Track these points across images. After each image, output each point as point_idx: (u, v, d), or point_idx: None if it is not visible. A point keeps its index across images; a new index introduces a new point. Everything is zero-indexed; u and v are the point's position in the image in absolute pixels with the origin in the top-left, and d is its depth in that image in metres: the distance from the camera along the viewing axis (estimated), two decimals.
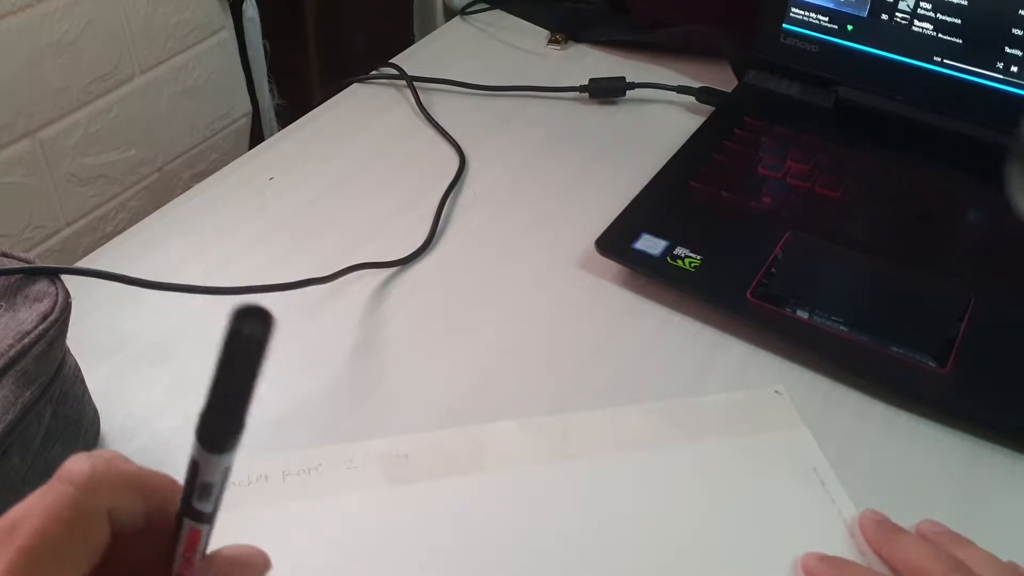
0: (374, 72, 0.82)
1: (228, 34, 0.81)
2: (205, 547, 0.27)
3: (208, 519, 0.26)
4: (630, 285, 0.60)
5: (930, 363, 0.52)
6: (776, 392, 0.52)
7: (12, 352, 0.41)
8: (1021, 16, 0.65)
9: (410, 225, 0.65)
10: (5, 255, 0.46)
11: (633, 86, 0.78)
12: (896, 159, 0.68)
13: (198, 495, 0.25)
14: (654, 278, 0.59)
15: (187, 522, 0.26)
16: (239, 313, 0.22)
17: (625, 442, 0.49)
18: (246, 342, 0.23)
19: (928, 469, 0.49)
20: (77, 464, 0.26)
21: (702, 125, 0.73)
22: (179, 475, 0.26)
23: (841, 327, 0.54)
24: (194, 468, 0.25)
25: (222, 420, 0.24)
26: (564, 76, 0.81)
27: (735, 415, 0.51)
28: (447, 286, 0.60)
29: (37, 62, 0.66)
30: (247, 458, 0.48)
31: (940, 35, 0.68)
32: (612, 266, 0.60)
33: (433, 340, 0.56)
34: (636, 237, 0.60)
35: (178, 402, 0.52)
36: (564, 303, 0.59)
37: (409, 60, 0.84)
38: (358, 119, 0.77)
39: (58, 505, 0.25)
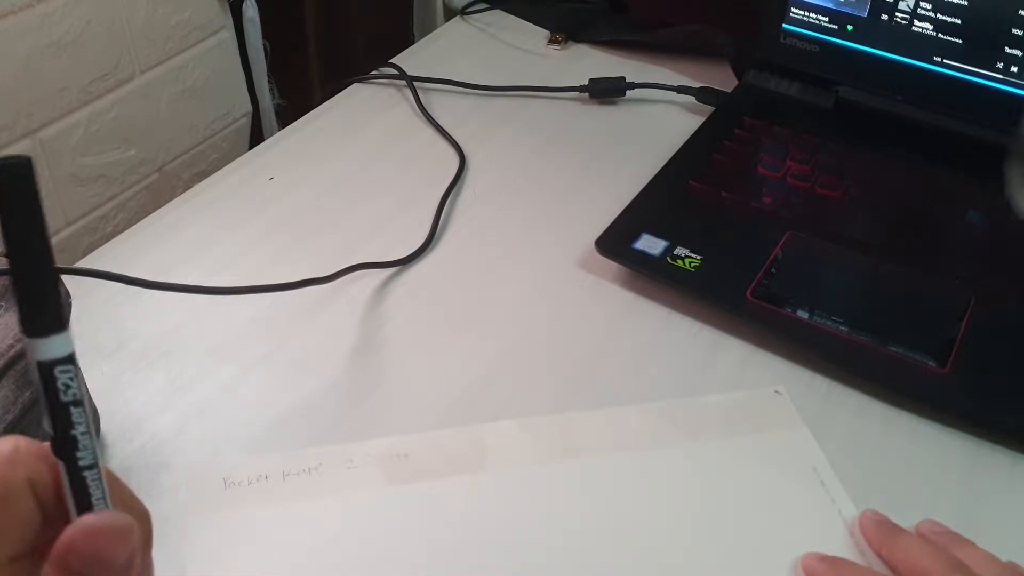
0: (374, 72, 0.82)
1: (228, 34, 0.81)
2: (78, 497, 0.24)
3: (57, 450, 0.23)
4: (630, 285, 0.60)
5: (930, 363, 0.52)
6: (776, 392, 0.52)
7: (12, 352, 0.41)
8: (1021, 16, 0.65)
9: (410, 225, 0.65)
10: (5, 255, 0.46)
11: (633, 86, 0.78)
12: (896, 159, 0.68)
13: (45, 409, 0.23)
14: (654, 278, 0.59)
15: (57, 461, 0.24)
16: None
17: (625, 442, 0.49)
18: (16, 174, 0.21)
19: (928, 469, 0.49)
20: (1, 443, 0.25)
21: (702, 125, 0.73)
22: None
23: (841, 327, 0.54)
24: (40, 373, 0.22)
25: (27, 293, 0.22)
26: (564, 76, 0.81)
27: (735, 415, 0.51)
28: (447, 286, 0.60)
29: (37, 62, 0.66)
30: (247, 458, 0.48)
31: (940, 35, 0.68)
32: (612, 266, 0.60)
33: (433, 340, 0.56)
34: (636, 237, 0.60)
35: (178, 402, 0.52)
36: (564, 303, 0.59)
37: (409, 60, 0.84)
38: (358, 119, 0.77)
39: None
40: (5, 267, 0.45)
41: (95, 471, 0.24)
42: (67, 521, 0.25)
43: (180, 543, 0.43)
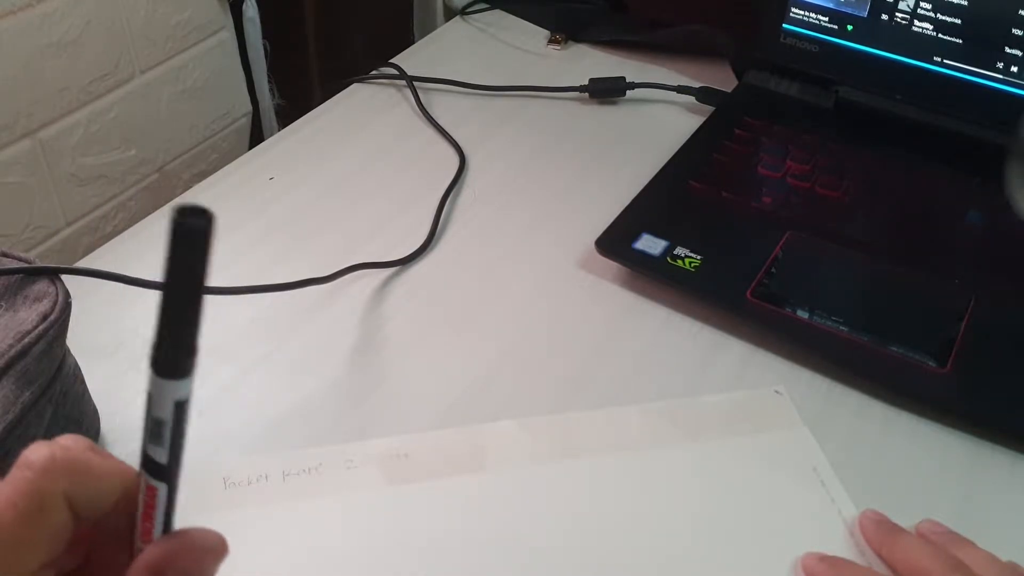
0: (374, 72, 0.82)
1: (228, 34, 0.81)
2: (166, 517, 0.26)
3: (165, 475, 0.25)
4: (630, 285, 0.60)
5: (930, 363, 0.52)
6: (776, 392, 0.52)
7: (12, 352, 0.41)
8: (1021, 16, 0.65)
9: (410, 225, 0.65)
10: (5, 255, 0.46)
11: (633, 86, 0.78)
12: (896, 159, 0.68)
13: (151, 436, 0.24)
14: (654, 278, 0.59)
15: (144, 478, 0.25)
16: (181, 210, 0.22)
17: (625, 442, 0.49)
18: (189, 236, 0.22)
19: (928, 469, 0.49)
20: (36, 451, 0.25)
21: (702, 125, 0.73)
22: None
23: (841, 327, 0.54)
24: (148, 403, 0.24)
25: (172, 338, 0.23)
26: (564, 76, 0.81)
27: (735, 415, 0.51)
28: (447, 286, 0.60)
29: (37, 62, 0.66)
30: (247, 458, 0.48)
31: (940, 35, 0.68)
32: (612, 266, 0.60)
33: (433, 340, 0.56)
34: (636, 237, 0.60)
35: None
36: (564, 303, 0.59)
37: (409, 60, 0.84)
38: (358, 119, 0.77)
39: (14, 492, 0.24)
40: (5, 267, 0.45)
41: (173, 503, 0.26)
42: (100, 529, 0.26)
43: None
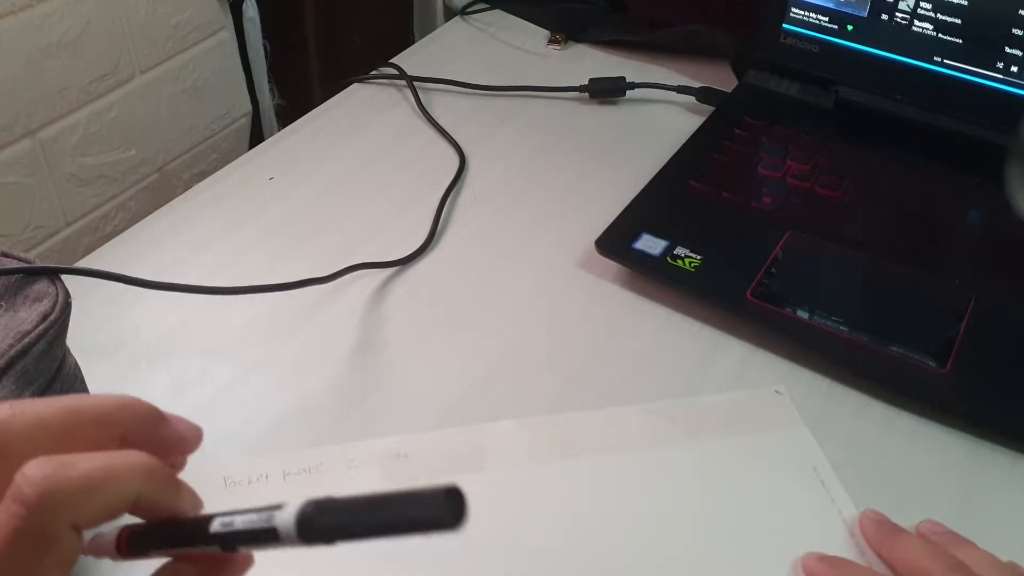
0: (374, 72, 0.82)
1: (228, 34, 0.81)
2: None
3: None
4: (630, 285, 0.60)
5: (930, 363, 0.52)
6: (776, 392, 0.52)
7: (12, 352, 0.41)
8: (1021, 16, 0.65)
9: (410, 225, 0.65)
10: (5, 255, 0.46)
11: (633, 86, 0.78)
12: (896, 159, 0.68)
13: (234, 540, 0.26)
14: (654, 278, 0.59)
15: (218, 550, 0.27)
16: (451, 493, 0.22)
17: (625, 442, 0.49)
18: (428, 525, 0.22)
19: (928, 469, 0.49)
20: (27, 477, 0.24)
21: (702, 125, 0.73)
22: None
23: (841, 327, 0.54)
24: (264, 526, 0.25)
25: (339, 527, 0.24)
26: (564, 76, 0.81)
27: (735, 415, 0.51)
28: (447, 286, 0.60)
29: (37, 62, 0.66)
30: (247, 458, 0.48)
31: (940, 35, 0.68)
32: (612, 266, 0.60)
33: (433, 340, 0.56)
34: (636, 237, 0.60)
35: (178, 402, 0.52)
36: (564, 303, 0.59)
37: (409, 60, 0.84)
38: (358, 119, 0.77)
39: (9, 528, 0.23)
40: (5, 267, 0.45)
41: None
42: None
43: None
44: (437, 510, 0.21)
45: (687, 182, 0.66)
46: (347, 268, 0.59)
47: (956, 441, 0.50)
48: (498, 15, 0.92)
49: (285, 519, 0.23)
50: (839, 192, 0.65)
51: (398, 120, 0.77)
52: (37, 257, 0.46)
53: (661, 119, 0.77)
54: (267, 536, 0.24)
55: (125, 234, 0.65)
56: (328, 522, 0.23)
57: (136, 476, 0.26)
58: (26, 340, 0.42)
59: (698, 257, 0.59)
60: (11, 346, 0.41)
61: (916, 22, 0.68)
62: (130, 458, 0.26)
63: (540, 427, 0.50)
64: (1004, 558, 0.42)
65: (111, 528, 0.28)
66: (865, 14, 0.70)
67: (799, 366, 0.54)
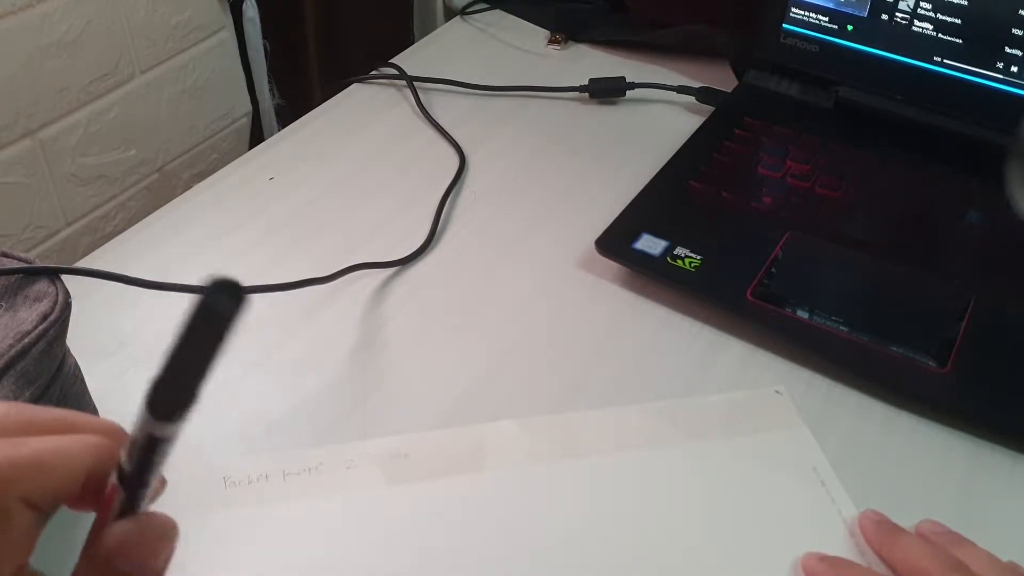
0: (374, 72, 0.82)
1: (228, 34, 0.81)
2: (128, 505, 0.26)
3: (126, 485, 0.25)
4: (630, 285, 0.60)
5: (930, 363, 0.52)
6: (776, 392, 0.52)
7: (12, 352, 0.41)
8: (1021, 16, 0.65)
9: (410, 225, 0.65)
10: (5, 255, 0.46)
11: (633, 86, 0.78)
12: (896, 159, 0.68)
13: (128, 448, 0.25)
14: (654, 278, 0.59)
15: (113, 475, 0.26)
16: (214, 285, 0.21)
17: (625, 442, 0.49)
18: (215, 319, 0.22)
19: (928, 469, 0.49)
20: None
21: (702, 125, 0.73)
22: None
23: (841, 327, 0.54)
24: (138, 429, 0.24)
25: (174, 390, 0.23)
26: (564, 76, 0.81)
27: (735, 415, 0.51)
28: (447, 286, 0.60)
29: (37, 62, 0.66)
30: (247, 458, 0.48)
31: (940, 35, 0.68)
32: (612, 266, 0.60)
33: (433, 340, 0.56)
34: (636, 237, 0.60)
35: None
36: (564, 303, 0.59)
37: (409, 60, 0.84)
38: (358, 119, 0.77)
39: None
40: (5, 267, 0.45)
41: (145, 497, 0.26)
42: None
43: (180, 542, 0.43)
44: (213, 306, 0.22)
45: (687, 182, 0.66)
46: (347, 268, 0.59)
47: (956, 441, 0.50)
48: (498, 15, 0.92)
49: (141, 415, 0.24)
50: (839, 192, 0.65)
51: (398, 120, 0.77)
52: (37, 257, 0.46)
53: (661, 119, 0.77)
54: (147, 440, 0.24)
55: (125, 234, 0.65)
56: (166, 396, 0.23)
57: (87, 453, 0.26)
58: (26, 340, 0.42)
59: (698, 257, 0.59)
60: (11, 346, 0.41)
61: (916, 22, 0.68)
62: (81, 439, 0.27)
63: (540, 427, 0.50)
64: (1004, 558, 0.42)
65: None
66: (865, 14, 0.70)
67: (799, 366, 0.54)
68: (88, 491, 0.26)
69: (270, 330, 0.57)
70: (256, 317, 0.57)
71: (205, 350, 0.22)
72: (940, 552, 0.42)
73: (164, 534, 0.26)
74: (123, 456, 0.25)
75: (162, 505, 0.45)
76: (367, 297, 0.59)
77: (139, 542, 0.26)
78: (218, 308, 0.22)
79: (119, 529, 0.25)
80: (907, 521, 0.45)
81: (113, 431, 0.28)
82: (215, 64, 0.80)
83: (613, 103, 0.79)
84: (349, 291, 0.59)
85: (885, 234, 0.62)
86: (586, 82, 0.78)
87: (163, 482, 0.29)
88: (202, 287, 0.22)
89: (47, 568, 0.26)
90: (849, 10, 0.71)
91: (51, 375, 0.44)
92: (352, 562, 0.43)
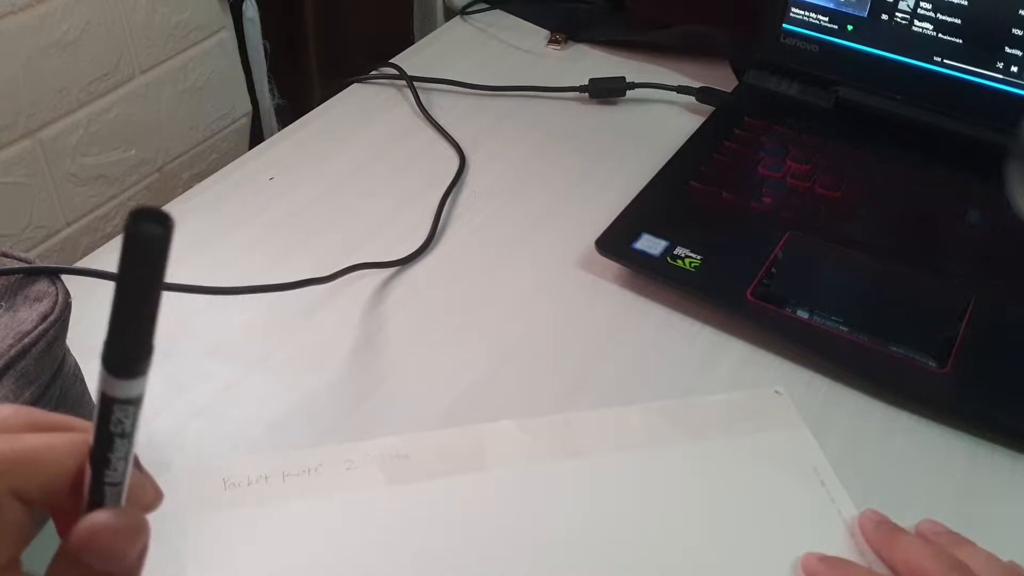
0: (374, 72, 0.82)
1: (228, 34, 0.81)
2: (97, 493, 0.26)
3: (94, 458, 0.25)
4: (630, 285, 0.60)
5: (930, 363, 0.52)
6: (776, 392, 0.52)
7: (12, 352, 0.41)
8: (1021, 16, 0.65)
9: (410, 225, 0.65)
10: (5, 255, 0.46)
11: (633, 86, 0.78)
12: (896, 159, 0.68)
13: (95, 425, 0.24)
14: (654, 278, 0.59)
15: (88, 460, 0.25)
16: (136, 214, 0.21)
17: (625, 442, 0.49)
18: (147, 244, 0.22)
19: (928, 469, 0.49)
20: None
21: (702, 125, 0.73)
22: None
23: (841, 327, 0.54)
24: (100, 399, 0.24)
25: (129, 339, 0.23)
26: (564, 76, 0.81)
27: (735, 415, 0.51)
28: (447, 286, 0.60)
29: (37, 62, 0.66)
30: (247, 459, 0.48)
31: (940, 35, 0.68)
32: (612, 266, 0.60)
33: (433, 340, 0.56)
34: (636, 237, 0.60)
35: (177, 403, 0.52)
36: (564, 303, 0.59)
37: (409, 60, 0.84)
38: (358, 119, 0.77)
39: None
40: (5, 267, 0.45)
41: (117, 489, 0.26)
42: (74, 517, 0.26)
43: (180, 543, 0.43)
44: (139, 235, 0.21)
45: (687, 182, 0.66)
46: (347, 268, 0.59)
47: (956, 441, 0.50)
48: (498, 15, 0.92)
49: (99, 376, 0.23)
50: (839, 192, 0.65)
51: (398, 120, 0.77)
52: (37, 257, 0.46)
53: (661, 119, 0.77)
54: (105, 402, 0.24)
55: None
56: (118, 349, 0.23)
57: (76, 450, 0.26)
58: (26, 340, 0.42)
59: (698, 257, 0.59)
60: (11, 346, 0.41)
61: (916, 22, 0.68)
62: (71, 436, 0.27)
63: (540, 427, 0.50)
64: (1004, 558, 0.42)
65: None
66: (865, 14, 0.70)
67: (799, 366, 0.54)
68: (78, 488, 0.26)
69: (270, 330, 0.57)
70: (256, 317, 0.57)
71: (146, 285, 0.22)
72: (940, 552, 0.42)
73: (134, 527, 0.26)
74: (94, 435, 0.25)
75: (163, 505, 0.45)
76: (367, 297, 0.59)
77: (108, 538, 0.25)
78: (147, 234, 0.21)
79: (87, 522, 0.25)
80: (907, 521, 0.45)
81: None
82: (215, 64, 0.80)
83: (613, 103, 0.79)
84: (349, 291, 0.59)
85: (885, 234, 0.62)
86: (586, 82, 0.78)
87: (158, 493, 0.29)
88: (127, 219, 0.21)
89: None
90: (849, 10, 0.71)
91: (51, 375, 0.44)
92: (352, 563, 0.43)
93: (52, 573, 0.26)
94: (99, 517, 0.25)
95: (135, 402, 0.24)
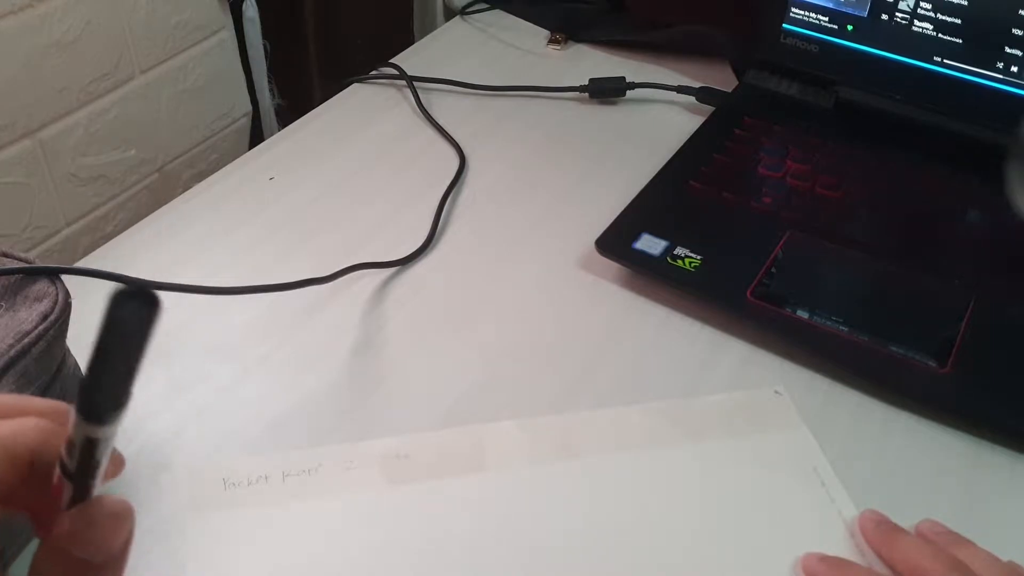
0: (374, 72, 0.82)
1: (228, 34, 0.81)
2: (78, 496, 0.26)
3: (72, 480, 0.25)
4: (630, 285, 0.60)
5: (930, 363, 0.52)
6: (776, 392, 0.52)
7: (12, 352, 0.41)
8: (1021, 16, 0.65)
9: (410, 225, 0.65)
10: (5, 255, 0.46)
11: (633, 86, 0.78)
12: (896, 159, 0.68)
13: (67, 447, 0.25)
14: (654, 278, 0.59)
15: (57, 469, 0.25)
16: (119, 296, 0.21)
17: (625, 442, 0.49)
18: (128, 326, 0.21)
19: (928, 469, 0.49)
20: None
21: (702, 125, 0.73)
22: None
23: (841, 327, 0.54)
24: (73, 431, 0.24)
25: (102, 393, 0.23)
26: (564, 76, 0.81)
27: (735, 415, 0.51)
28: (447, 286, 0.60)
29: (37, 62, 0.66)
30: (247, 459, 0.48)
31: (940, 35, 0.68)
32: (612, 266, 0.60)
33: (433, 340, 0.56)
34: (636, 237, 0.60)
35: (177, 403, 0.52)
36: (564, 303, 0.59)
37: (409, 60, 0.84)
38: (358, 119, 0.77)
39: None
40: (5, 267, 0.45)
41: (95, 481, 0.26)
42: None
43: (180, 543, 0.43)
44: (120, 318, 0.21)
45: (687, 182, 0.66)
46: (347, 268, 0.59)
47: (956, 441, 0.50)
48: (498, 15, 0.92)
49: (74, 417, 0.23)
50: (839, 192, 0.65)
51: (398, 120, 0.77)
52: (37, 257, 0.46)
53: (661, 119, 0.77)
54: (85, 442, 0.24)
55: (125, 234, 0.65)
56: (94, 399, 0.23)
57: (27, 438, 0.26)
58: (26, 340, 0.42)
59: (698, 257, 0.59)
60: (11, 346, 0.41)
61: (916, 22, 0.68)
62: (21, 423, 0.26)
63: (540, 427, 0.50)
64: (1004, 558, 0.42)
65: None
66: (865, 14, 0.70)
67: (799, 366, 0.54)
68: (36, 477, 0.26)
69: (270, 330, 0.57)
70: (256, 317, 0.57)
71: (125, 356, 0.22)
72: (940, 552, 0.42)
73: (118, 516, 0.26)
74: (63, 453, 0.25)
75: (162, 505, 0.45)
76: (367, 297, 0.59)
77: (91, 527, 0.25)
78: (126, 319, 0.21)
79: (70, 516, 0.25)
80: (907, 521, 0.45)
81: (57, 411, 0.27)
82: (215, 64, 0.80)
83: (613, 103, 0.79)
84: (349, 291, 0.59)
85: (885, 234, 0.62)
86: (586, 82, 0.78)
87: (120, 462, 0.28)
88: (110, 299, 0.21)
89: None
90: (849, 10, 0.71)
91: (51, 375, 0.44)
92: (352, 563, 0.43)
93: (36, 566, 0.25)
94: (81, 510, 0.25)
95: (112, 437, 0.24)
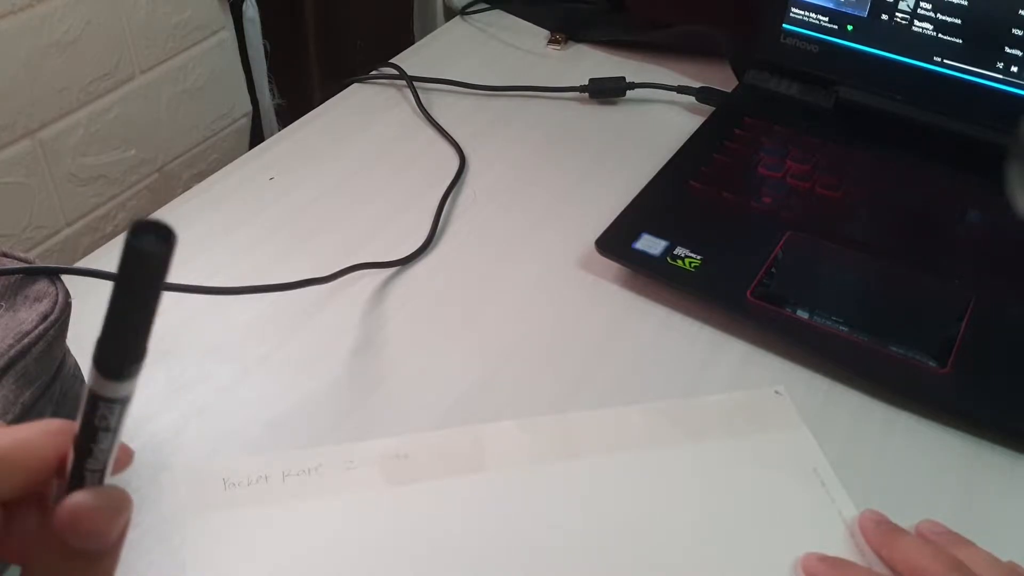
0: (374, 72, 0.82)
1: (228, 34, 0.81)
2: (77, 478, 0.26)
3: (77, 447, 0.25)
4: (630, 285, 0.60)
5: (930, 363, 0.52)
6: (776, 392, 0.52)
7: (12, 352, 0.41)
8: (1021, 16, 0.65)
9: (410, 225, 0.65)
10: (5, 255, 0.46)
11: (633, 86, 0.78)
12: (896, 159, 0.68)
13: (80, 420, 0.25)
14: (654, 278, 0.59)
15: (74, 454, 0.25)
16: (136, 228, 0.21)
17: (625, 442, 0.49)
18: (145, 260, 0.21)
19: (928, 469, 0.49)
20: None
21: (702, 125, 0.73)
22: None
23: (841, 327, 0.54)
24: (88, 393, 0.24)
25: (118, 345, 0.23)
26: (564, 76, 0.81)
27: (735, 415, 0.51)
28: (447, 286, 0.60)
29: (37, 62, 0.66)
30: (247, 459, 0.48)
31: (940, 35, 0.68)
32: (612, 266, 0.60)
33: (433, 340, 0.56)
34: (636, 237, 0.60)
35: (178, 402, 0.52)
36: (564, 303, 0.59)
37: (409, 60, 0.84)
38: (358, 119, 0.77)
39: None
40: (5, 267, 0.45)
41: (97, 475, 0.25)
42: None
43: (180, 543, 0.43)
44: (139, 248, 0.21)
45: (687, 182, 0.66)
46: (347, 268, 0.59)
47: (956, 441, 0.50)
48: (498, 15, 0.92)
49: (90, 374, 0.23)
50: (839, 192, 0.65)
51: (398, 120, 0.77)
52: (37, 257, 0.46)
53: (661, 119, 0.77)
54: (92, 399, 0.24)
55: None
56: (110, 352, 0.23)
57: (50, 443, 0.26)
58: (26, 340, 0.42)
59: (698, 257, 0.59)
60: (11, 346, 0.41)
61: (916, 22, 0.68)
62: (42, 425, 0.26)
63: (540, 427, 0.50)
64: (1004, 558, 0.42)
65: None
66: (865, 14, 0.70)
67: (799, 366, 0.54)
68: (30, 490, 0.26)
69: (270, 330, 0.57)
70: (256, 317, 0.57)
71: (141, 297, 0.22)
72: (940, 552, 0.42)
73: (116, 506, 0.26)
74: (72, 454, 0.25)
75: (162, 505, 0.45)
76: (367, 297, 0.59)
77: (89, 515, 0.25)
78: (145, 250, 0.21)
79: (68, 503, 0.25)
80: (907, 521, 0.45)
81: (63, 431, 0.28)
82: (215, 64, 0.80)
83: (613, 103, 0.79)
84: (349, 291, 0.59)
85: (885, 234, 0.62)
86: (586, 82, 0.78)
87: (129, 453, 0.28)
88: (128, 231, 0.21)
89: None
90: (849, 10, 0.71)
91: (51, 375, 0.44)
92: (352, 563, 0.43)
93: (34, 558, 0.26)
94: (80, 497, 0.25)
95: (122, 401, 0.24)
